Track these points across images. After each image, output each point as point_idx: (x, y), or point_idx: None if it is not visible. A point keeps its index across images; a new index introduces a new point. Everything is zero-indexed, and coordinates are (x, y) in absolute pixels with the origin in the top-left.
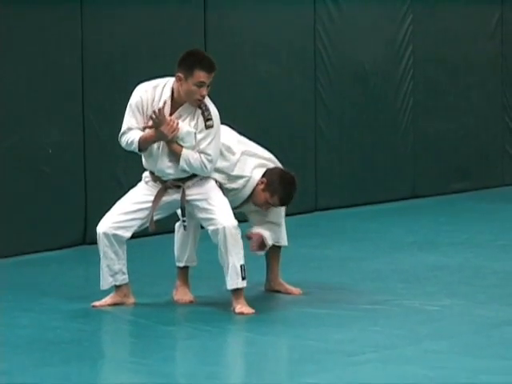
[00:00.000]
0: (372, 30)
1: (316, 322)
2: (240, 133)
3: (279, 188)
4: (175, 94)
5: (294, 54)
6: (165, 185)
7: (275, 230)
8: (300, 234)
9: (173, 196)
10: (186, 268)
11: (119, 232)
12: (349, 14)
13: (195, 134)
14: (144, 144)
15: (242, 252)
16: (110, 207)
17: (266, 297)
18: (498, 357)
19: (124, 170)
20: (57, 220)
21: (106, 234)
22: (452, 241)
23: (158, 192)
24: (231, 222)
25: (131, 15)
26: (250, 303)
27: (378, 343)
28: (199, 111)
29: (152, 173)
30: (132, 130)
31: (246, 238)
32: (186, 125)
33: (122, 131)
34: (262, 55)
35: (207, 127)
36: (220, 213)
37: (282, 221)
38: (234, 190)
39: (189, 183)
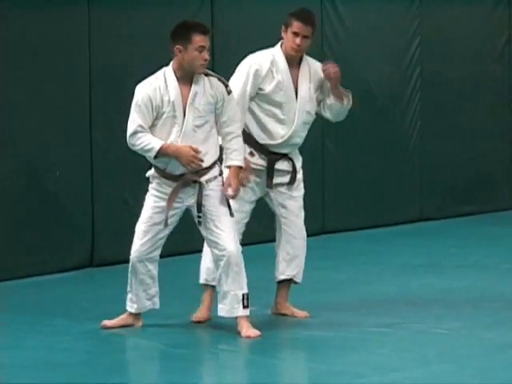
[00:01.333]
0: (379, 50)
1: (323, 345)
2: None
3: (291, 15)
4: (178, 74)
5: None
6: (183, 179)
7: (298, 263)
8: (307, 256)
9: (184, 203)
10: (214, 287)
11: (152, 255)
12: (356, 35)
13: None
14: (162, 155)
15: (245, 280)
16: (117, 229)
17: (272, 320)
18: (505, 380)
19: (131, 192)
20: (64, 242)
21: (141, 263)
22: (459, 264)
23: (174, 190)
24: (236, 248)
25: (138, 40)
26: (257, 326)
27: (386, 366)
28: (213, 80)
29: (161, 169)
30: (147, 135)
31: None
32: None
33: (132, 130)
34: None
35: (228, 93)
36: (226, 238)
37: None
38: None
39: (205, 177)
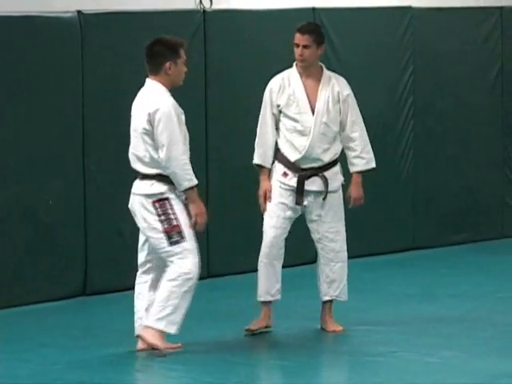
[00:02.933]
0: (373, 80)
1: (315, 373)
2: None
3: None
4: (168, 90)
5: None
6: None
7: (338, 285)
8: (299, 285)
9: None
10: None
11: None
12: (349, 64)
13: None
14: (190, 190)
15: None
16: (111, 257)
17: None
18: None
19: (124, 221)
20: (57, 270)
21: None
22: (452, 293)
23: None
24: None
25: (132, 62)
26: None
27: None
28: None
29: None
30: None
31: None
32: None
33: (182, 149)
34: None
35: None
36: None
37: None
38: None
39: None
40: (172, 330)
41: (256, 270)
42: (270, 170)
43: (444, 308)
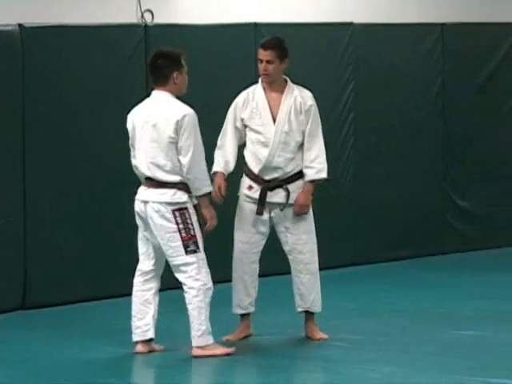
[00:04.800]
0: (313, 96)
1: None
2: None
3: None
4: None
5: None
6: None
7: (308, 297)
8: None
9: None
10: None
11: None
12: (289, 79)
13: None
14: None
15: None
16: (50, 272)
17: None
18: None
19: (63, 236)
20: None
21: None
22: (392, 308)
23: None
24: None
25: (73, 76)
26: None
27: None
28: None
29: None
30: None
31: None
32: None
33: (203, 157)
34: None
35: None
36: None
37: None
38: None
39: None
40: (211, 339)
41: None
42: (223, 175)
43: (384, 323)
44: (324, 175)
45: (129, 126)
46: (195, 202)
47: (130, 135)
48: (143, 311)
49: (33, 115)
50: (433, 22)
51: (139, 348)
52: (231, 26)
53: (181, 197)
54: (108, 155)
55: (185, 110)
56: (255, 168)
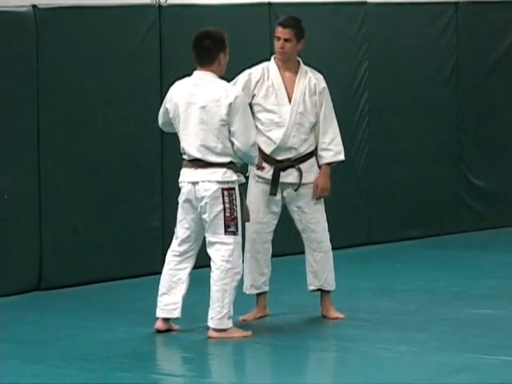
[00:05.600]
0: (327, 75)
1: (269, 368)
2: None
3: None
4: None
5: None
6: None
7: (322, 274)
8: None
9: None
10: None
11: None
12: (303, 59)
13: None
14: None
15: None
16: (65, 253)
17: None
18: None
19: (79, 217)
20: (11, 266)
21: None
22: (406, 287)
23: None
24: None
25: (87, 57)
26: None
27: None
28: None
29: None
30: None
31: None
32: None
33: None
34: None
35: None
36: None
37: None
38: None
39: None
40: (231, 323)
41: None
42: None
43: (399, 302)
44: (342, 157)
45: (170, 101)
46: (243, 180)
47: (167, 107)
48: (175, 289)
49: (47, 96)
50: (446, 1)
51: (159, 324)
52: (245, 5)
53: (231, 176)
54: (123, 137)
55: (235, 91)
56: (267, 149)
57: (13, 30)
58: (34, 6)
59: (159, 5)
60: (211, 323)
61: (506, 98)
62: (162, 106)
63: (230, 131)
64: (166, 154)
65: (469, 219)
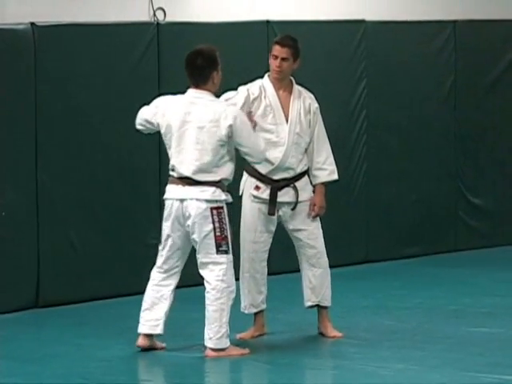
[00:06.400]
0: (326, 93)
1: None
2: None
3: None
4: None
5: None
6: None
7: (320, 290)
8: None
9: None
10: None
11: None
12: (302, 77)
13: None
14: None
15: None
16: (63, 271)
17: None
18: None
19: (77, 233)
20: (9, 283)
21: None
22: (405, 305)
23: None
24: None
25: (85, 74)
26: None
27: None
28: None
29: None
30: None
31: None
32: None
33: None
34: None
35: None
36: None
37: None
38: None
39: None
40: (228, 342)
41: None
42: None
43: (397, 320)
44: (335, 176)
45: (163, 116)
46: (230, 199)
47: (159, 121)
48: (157, 305)
49: (45, 113)
50: (445, 20)
51: (141, 341)
52: (244, 23)
53: (220, 195)
54: (121, 153)
55: (234, 112)
56: (262, 169)
57: (11, 47)
58: (32, 24)
59: (157, 22)
60: (209, 343)
61: (504, 117)
62: (149, 108)
63: (240, 151)
64: (164, 171)
65: (467, 237)
